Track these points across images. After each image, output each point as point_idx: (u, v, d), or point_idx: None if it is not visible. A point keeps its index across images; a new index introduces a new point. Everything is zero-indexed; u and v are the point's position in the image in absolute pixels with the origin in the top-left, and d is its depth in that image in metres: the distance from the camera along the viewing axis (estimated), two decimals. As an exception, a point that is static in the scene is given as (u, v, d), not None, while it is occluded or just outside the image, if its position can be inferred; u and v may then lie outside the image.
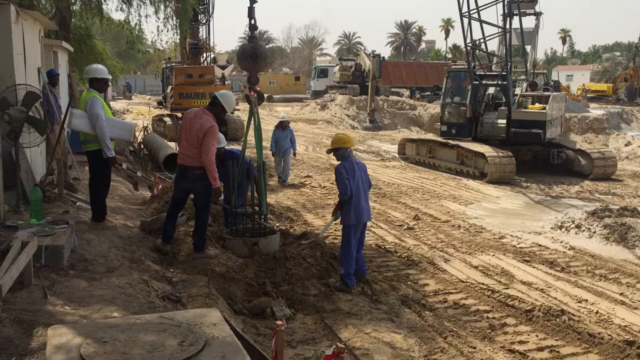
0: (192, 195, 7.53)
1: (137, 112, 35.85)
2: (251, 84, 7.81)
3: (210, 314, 4.30)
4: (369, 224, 10.52)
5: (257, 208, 7.88)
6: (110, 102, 39.64)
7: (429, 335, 5.97)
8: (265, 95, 41.23)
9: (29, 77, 8.98)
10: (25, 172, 7.80)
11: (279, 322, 4.39)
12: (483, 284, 7.74)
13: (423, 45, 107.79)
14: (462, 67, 19.44)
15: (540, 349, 5.96)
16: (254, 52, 7.52)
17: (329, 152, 7.64)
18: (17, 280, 4.88)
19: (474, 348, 5.84)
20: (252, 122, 7.86)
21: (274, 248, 7.51)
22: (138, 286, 5.45)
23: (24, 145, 7.76)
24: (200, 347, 3.67)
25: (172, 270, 6.55)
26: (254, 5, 7.83)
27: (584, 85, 55.52)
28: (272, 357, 4.27)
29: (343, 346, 3.90)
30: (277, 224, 9.62)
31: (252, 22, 7.87)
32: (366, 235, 9.86)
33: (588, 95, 47.63)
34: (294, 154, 15.08)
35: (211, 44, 30.05)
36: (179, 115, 21.19)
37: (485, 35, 16.99)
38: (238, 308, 6.22)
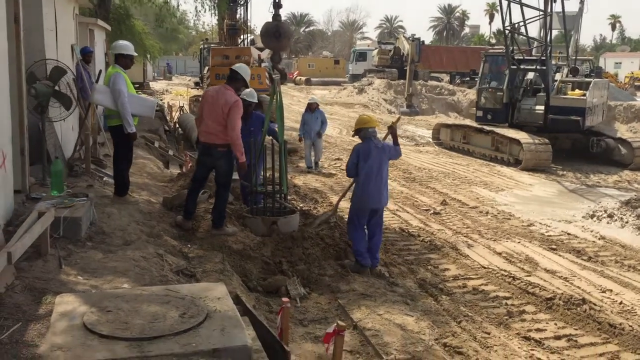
0: (213, 173, 7.57)
1: (176, 93, 36.30)
2: (274, 62, 7.76)
3: (216, 288, 4.32)
4: (393, 207, 10.53)
5: (277, 187, 7.88)
6: (150, 83, 40.32)
7: (443, 319, 5.89)
8: (304, 78, 41.20)
9: (61, 54, 9.15)
10: (53, 146, 7.98)
11: (284, 299, 4.40)
12: (505, 270, 7.60)
13: (467, 29, 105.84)
14: (500, 51, 19.00)
15: (558, 338, 5.84)
16: (278, 30, 7.46)
17: (353, 135, 7.56)
18: (35, 250, 5.01)
19: (488, 334, 5.74)
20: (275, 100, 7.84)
21: (293, 228, 7.51)
22: (152, 260, 5.52)
23: (53, 119, 7.94)
24: (201, 320, 3.69)
25: (189, 245, 6.62)
26: None
27: (632, 73, 53.67)
28: (277, 333, 4.28)
29: (344, 324, 3.88)
30: (301, 205, 9.62)
31: (278, 0, 7.81)
32: (391, 218, 9.88)
33: (635, 84, 46.04)
34: (319, 135, 14.00)
35: (250, 26, 30.12)
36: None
37: (526, 18, 16.55)
38: (253, 285, 6.25)
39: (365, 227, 7.21)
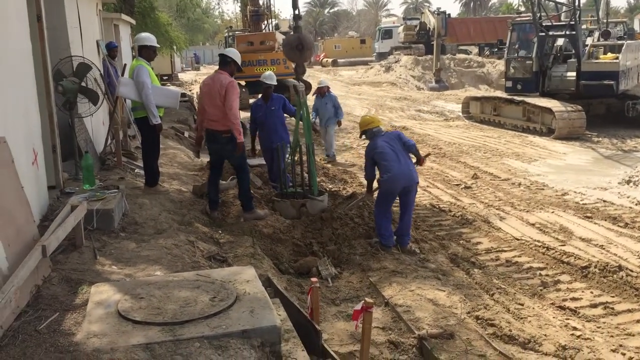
0: None
1: (204, 83, 36.50)
2: (298, 74, 7.82)
3: (245, 271, 4.39)
4: (424, 184, 10.47)
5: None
6: (179, 74, 40.67)
7: (475, 293, 5.86)
8: (330, 60, 41.02)
9: (87, 50, 9.30)
10: (84, 142, 8.15)
11: (313, 279, 4.44)
12: (539, 241, 7.51)
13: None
14: (527, 19, 18.57)
15: (594, 306, 5.77)
16: (300, 43, 7.52)
17: (360, 136, 7.61)
18: (70, 242, 5.16)
19: (522, 305, 5.70)
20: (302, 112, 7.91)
21: (322, 209, 7.54)
22: (184, 247, 5.62)
23: (82, 115, 8.10)
24: (231, 303, 3.77)
25: (220, 231, 6.71)
26: None
27: (669, 33, 51.78)
28: (308, 313, 4.34)
29: (372, 301, 3.90)
30: (330, 186, 9.64)
31: (297, 12, 7.92)
32: (421, 195, 9.84)
33: (673, 44, 44.37)
34: (339, 124, 13.18)
35: (274, 10, 30.05)
36: (242, 83, 21.42)
37: (553, -17, 16.12)
38: (284, 267, 6.33)
39: (391, 209, 7.17)
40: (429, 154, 8.90)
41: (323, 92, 12.99)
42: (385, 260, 6.52)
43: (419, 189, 10.06)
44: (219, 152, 7.35)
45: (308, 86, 7.97)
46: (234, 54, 7.27)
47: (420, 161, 7.37)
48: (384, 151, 6.92)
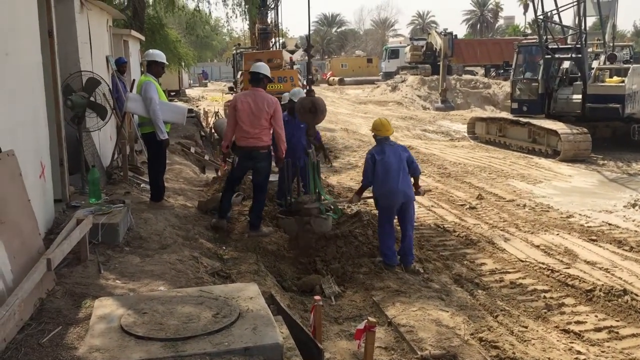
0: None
1: (212, 99, 36.71)
2: (309, 136, 7.95)
3: (248, 288, 4.39)
4: (428, 203, 10.48)
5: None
6: (186, 90, 40.93)
7: (479, 314, 5.83)
8: (337, 78, 41.33)
9: (96, 65, 9.39)
10: (91, 156, 8.20)
11: (316, 297, 4.44)
12: (543, 263, 7.48)
13: (501, 21, 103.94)
14: (534, 41, 18.66)
15: (598, 330, 5.73)
16: (314, 106, 7.70)
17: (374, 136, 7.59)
18: (75, 256, 5.18)
19: (526, 327, 5.67)
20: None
21: (326, 228, 7.55)
22: (188, 262, 5.63)
23: (90, 129, 8.16)
24: (234, 319, 3.76)
25: (224, 248, 6.72)
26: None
27: (675, 57, 51.86)
28: (310, 331, 4.32)
29: (374, 320, 3.89)
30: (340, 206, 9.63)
31: (311, 76, 8.36)
32: (426, 214, 9.84)
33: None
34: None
35: (282, 29, 30.30)
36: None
37: (559, 6, 16.20)
38: (287, 285, 6.32)
39: (394, 228, 7.19)
40: (429, 190, 8.94)
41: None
42: (388, 280, 6.50)
43: (423, 208, 10.19)
44: (252, 167, 7.49)
45: (320, 147, 8.16)
46: (265, 69, 7.51)
47: (416, 187, 7.35)
48: (389, 161, 6.96)
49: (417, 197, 7.38)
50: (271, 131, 7.33)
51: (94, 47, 9.39)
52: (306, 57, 9.09)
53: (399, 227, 7.30)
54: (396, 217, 7.14)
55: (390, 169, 6.92)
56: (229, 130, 7.47)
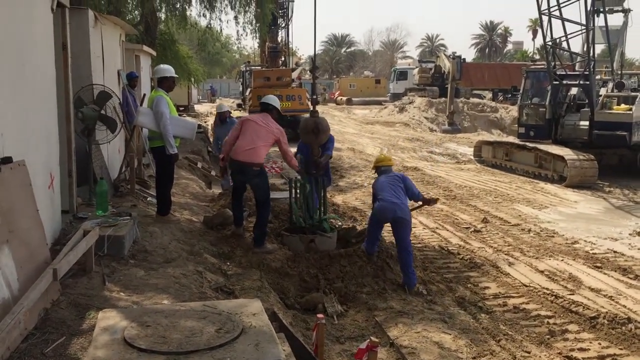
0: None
1: (220, 115, 36.89)
2: (314, 156, 8.11)
3: (251, 304, 4.40)
4: (433, 225, 10.49)
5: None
6: (195, 106, 41.19)
7: (482, 338, 5.81)
8: (345, 98, 41.72)
9: (108, 79, 9.51)
10: (99, 168, 8.27)
11: (319, 316, 4.44)
12: (547, 288, 7.45)
13: (509, 46, 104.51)
14: (542, 67, 18.75)
15: (602, 358, 5.68)
16: (316, 127, 7.89)
17: (373, 170, 8.46)
18: (80, 267, 5.21)
19: (528, 353, 5.64)
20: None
21: (331, 246, 7.57)
22: (192, 277, 5.66)
23: (100, 142, 8.24)
24: (236, 335, 3.77)
25: (228, 263, 6.74)
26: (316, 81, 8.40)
27: (684, 86, 51.84)
28: (312, 350, 4.33)
29: (377, 340, 3.90)
30: (340, 223, 9.65)
31: (315, 97, 8.72)
32: (430, 236, 9.84)
33: (688, 97, 44.41)
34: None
35: (292, 48, 30.55)
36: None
37: (567, 33, 16.30)
38: (290, 302, 6.32)
39: (380, 235, 7.77)
40: (438, 199, 9.24)
41: (224, 119, 12.51)
42: (391, 300, 6.50)
43: (428, 230, 10.19)
44: (246, 182, 7.70)
45: (321, 168, 8.33)
46: (275, 102, 7.76)
47: (425, 201, 7.99)
48: (382, 185, 7.58)
49: (423, 218, 7.52)
50: (267, 151, 7.55)
51: (106, 61, 9.52)
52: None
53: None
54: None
55: (384, 189, 7.50)
56: (229, 142, 7.55)
